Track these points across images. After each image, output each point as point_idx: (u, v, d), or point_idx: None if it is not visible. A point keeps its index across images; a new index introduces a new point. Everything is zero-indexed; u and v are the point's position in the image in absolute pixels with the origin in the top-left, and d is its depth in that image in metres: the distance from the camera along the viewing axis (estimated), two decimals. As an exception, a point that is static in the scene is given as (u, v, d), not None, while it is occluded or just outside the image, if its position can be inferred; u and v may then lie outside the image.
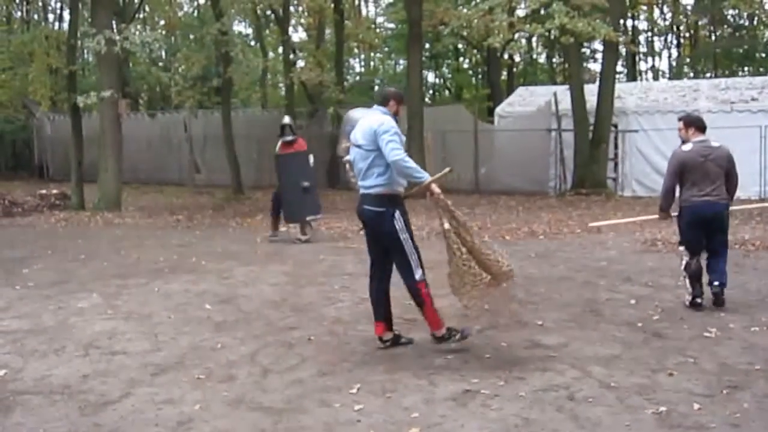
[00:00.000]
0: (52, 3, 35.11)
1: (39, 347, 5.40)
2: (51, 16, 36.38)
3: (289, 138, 10.82)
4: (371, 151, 4.95)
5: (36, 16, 36.71)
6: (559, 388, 4.33)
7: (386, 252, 5.14)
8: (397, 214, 4.96)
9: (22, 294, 7.34)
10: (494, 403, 4.11)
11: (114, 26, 15.36)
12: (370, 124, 4.98)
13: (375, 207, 4.98)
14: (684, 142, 6.36)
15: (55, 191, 17.79)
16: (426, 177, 4.93)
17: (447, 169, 5.49)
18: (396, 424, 3.84)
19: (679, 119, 6.54)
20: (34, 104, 29.65)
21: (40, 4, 35.43)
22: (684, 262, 6.28)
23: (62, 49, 23.10)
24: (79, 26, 18.20)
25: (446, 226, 4.88)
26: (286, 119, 11.37)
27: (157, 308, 6.58)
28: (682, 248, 6.39)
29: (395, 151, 4.78)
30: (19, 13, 36.70)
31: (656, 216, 6.73)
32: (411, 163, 4.85)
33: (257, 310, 6.48)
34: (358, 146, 5.06)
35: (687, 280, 6.26)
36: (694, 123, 6.34)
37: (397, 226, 4.94)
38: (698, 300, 6.17)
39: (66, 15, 31.16)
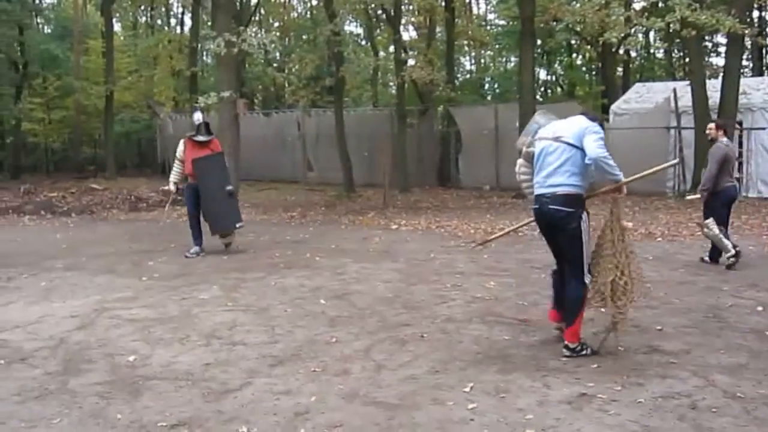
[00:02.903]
0: (175, 8, 36.78)
1: (165, 335, 5.69)
2: (173, 21, 38.15)
3: (203, 138, 9.67)
4: (574, 148, 4.88)
5: (159, 21, 38.61)
6: (681, 396, 4.17)
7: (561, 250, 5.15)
8: (584, 215, 4.94)
9: (148, 285, 7.75)
10: (611, 409, 4.01)
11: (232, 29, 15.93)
12: (580, 124, 4.94)
13: (565, 207, 4.90)
14: (713, 140, 8.33)
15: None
16: (621, 176, 4.88)
17: (645, 172, 5.42)
18: (510, 425, 3.81)
19: (713, 121, 8.91)
20: (158, 105, 31.24)
21: (164, 9, 37.23)
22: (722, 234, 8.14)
23: (184, 52, 24.24)
24: (200, 30, 19.00)
25: (630, 225, 4.84)
26: (200, 116, 9.97)
27: (273, 302, 6.80)
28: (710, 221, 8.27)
29: (601, 148, 4.75)
30: (143, 19, 38.72)
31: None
32: (611, 161, 4.80)
33: (370, 306, 6.58)
34: (557, 140, 4.98)
35: (729, 244, 8.13)
36: (723, 126, 8.56)
37: (582, 227, 4.91)
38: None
39: (187, 20, 32.64)
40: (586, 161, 4.81)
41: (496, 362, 4.88)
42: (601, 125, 5.06)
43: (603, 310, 5.00)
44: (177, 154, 9.81)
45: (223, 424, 3.89)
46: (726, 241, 8.14)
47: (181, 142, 9.82)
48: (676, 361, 4.80)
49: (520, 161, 5.64)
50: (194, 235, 9.68)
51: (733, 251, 8.05)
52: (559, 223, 4.97)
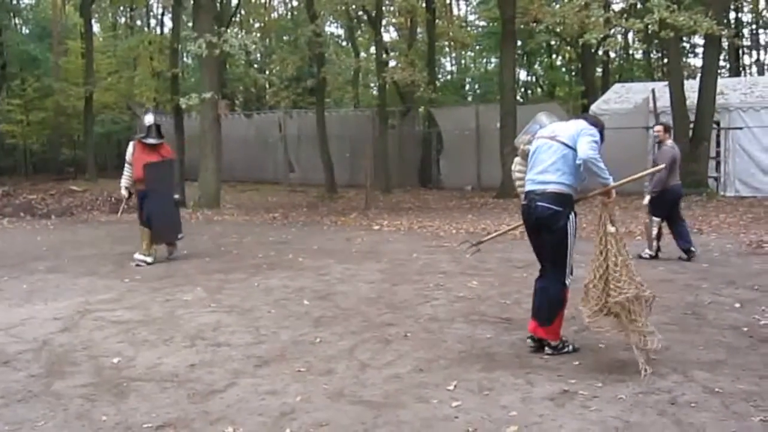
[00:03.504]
0: (154, 9, 36.56)
1: (149, 337, 5.68)
2: (153, 22, 37.93)
3: (154, 141, 9.17)
4: (567, 148, 4.91)
5: (139, 22, 38.37)
6: (661, 392, 4.24)
7: (544, 248, 5.12)
8: (572, 216, 4.96)
9: (131, 287, 7.74)
10: (593, 405, 4.07)
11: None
12: (578, 126, 4.96)
13: (553, 205, 4.91)
14: (660, 142, 8.96)
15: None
16: (610, 180, 4.90)
17: (631, 178, 5.49)
18: (494, 422, 3.85)
19: (660, 124, 9.34)
20: (138, 106, 31.01)
21: (144, 10, 37.00)
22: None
23: (165, 53, 24.13)
24: (180, 31, 18.95)
25: (612, 229, 4.83)
26: (151, 118, 9.40)
27: (257, 303, 6.81)
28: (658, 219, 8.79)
29: (592, 150, 4.76)
30: (123, 20, 38.47)
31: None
32: (602, 164, 4.82)
33: (354, 306, 6.61)
34: (552, 138, 5.00)
35: (656, 242, 8.84)
36: (669, 129, 9.12)
37: (569, 228, 4.93)
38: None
39: (167, 20, 32.46)
40: (577, 161, 4.83)
41: (480, 360, 4.92)
42: (601, 133, 5.06)
43: (580, 308, 4.99)
44: (127, 157, 9.31)
45: (209, 425, 3.90)
46: (654, 243, 8.85)
47: (131, 144, 9.34)
48: (656, 357, 4.86)
49: (517, 159, 5.68)
50: (148, 242, 9.20)
51: (653, 252, 8.85)
52: (546, 221, 4.97)
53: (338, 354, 5.15)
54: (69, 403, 4.25)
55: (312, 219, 14.28)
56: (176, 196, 9.49)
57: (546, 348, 5.00)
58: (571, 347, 5.01)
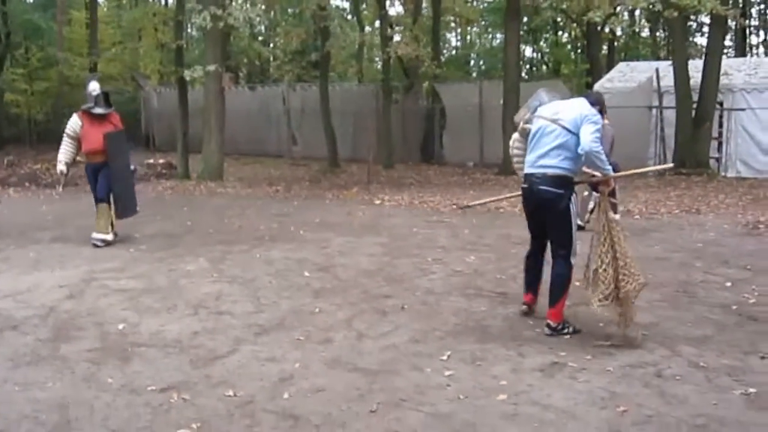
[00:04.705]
0: (160, -21, 36.32)
1: (153, 305, 5.85)
2: (158, -8, 37.69)
3: (102, 111, 8.50)
4: (570, 133, 4.95)
5: (144, -8, 38.10)
6: (647, 365, 4.39)
7: (547, 230, 5.23)
8: (573, 197, 5.06)
9: (135, 256, 7.89)
10: (581, 376, 4.22)
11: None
12: (581, 110, 4.99)
13: (554, 188, 4.98)
14: None
15: (161, 161, 18.75)
16: (610, 170, 5.00)
17: (634, 171, 5.83)
18: (484, 390, 4.01)
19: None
20: (143, 77, 31.07)
21: (149, -21, 36.75)
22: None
23: (169, 25, 24.10)
24: (185, 3, 18.92)
25: (617, 216, 4.92)
26: (97, 87, 8.63)
27: (259, 273, 6.96)
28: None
29: (595, 142, 4.82)
30: (128, -11, 38.22)
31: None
32: (603, 156, 4.90)
33: (353, 278, 6.76)
34: (555, 122, 5.04)
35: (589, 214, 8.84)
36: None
37: (571, 209, 5.02)
38: None
39: (173, -9, 32.26)
40: (579, 151, 4.89)
41: (474, 332, 5.08)
42: (602, 112, 5.14)
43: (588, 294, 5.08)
44: (68, 131, 8.59)
45: (211, 388, 4.07)
46: (585, 215, 9.01)
47: (75, 116, 8.62)
48: (645, 332, 5.01)
49: (515, 136, 5.72)
50: (105, 219, 8.54)
51: (583, 224, 8.65)
52: (547, 204, 5.06)
53: (336, 324, 5.30)
54: (75, 366, 4.42)
55: (314, 193, 14.40)
56: (133, 167, 9.02)
57: (545, 327, 5.06)
58: (571, 328, 5.04)
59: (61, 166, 8.73)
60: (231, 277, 6.82)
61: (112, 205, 8.61)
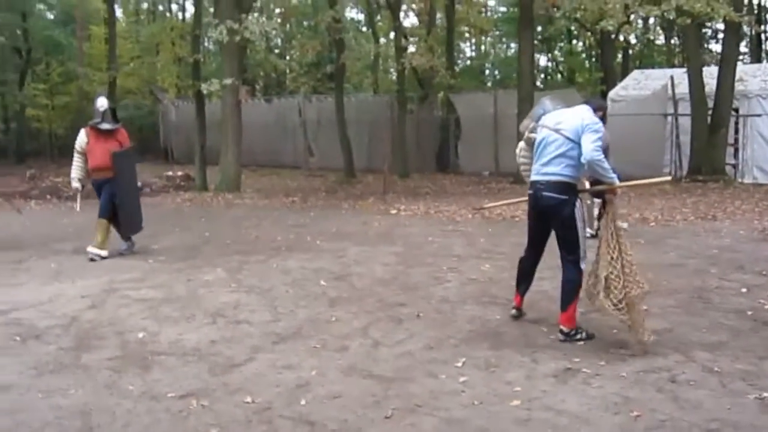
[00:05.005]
0: (176, -5, 36.82)
1: (172, 314, 5.93)
2: (174, 7, 38.20)
3: (108, 126, 8.53)
4: (571, 142, 5.00)
5: (161, 7, 38.64)
6: (661, 371, 4.40)
7: (547, 236, 5.33)
8: (578, 203, 5.10)
9: (154, 267, 7.99)
10: (595, 382, 4.24)
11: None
12: (582, 118, 5.03)
13: (558, 194, 5.05)
14: None
15: (179, 173, 18.97)
16: (615, 179, 5.00)
17: (640, 182, 5.78)
18: (498, 396, 4.04)
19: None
20: (161, 91, 31.39)
21: (166, -5, 37.22)
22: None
23: (186, 39, 24.37)
24: (202, 17, 19.17)
25: (625, 225, 4.94)
26: (104, 102, 8.65)
27: (276, 283, 7.03)
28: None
29: (597, 151, 4.85)
30: (145, 5, 38.75)
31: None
32: (606, 164, 4.92)
33: (369, 287, 6.82)
34: (557, 131, 5.10)
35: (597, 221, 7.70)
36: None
37: (577, 215, 5.06)
38: None
39: (189, 6, 32.69)
40: (582, 160, 4.93)
41: (488, 339, 5.11)
42: (603, 118, 5.15)
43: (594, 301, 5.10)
44: (77, 146, 8.64)
45: (229, 395, 4.13)
46: (594, 222, 8.49)
47: (82, 131, 8.64)
48: (659, 338, 5.01)
49: (521, 144, 5.78)
50: (104, 235, 8.55)
51: (592, 231, 8.31)
52: (552, 210, 5.12)
53: (352, 332, 5.35)
54: (97, 374, 4.49)
55: (330, 203, 14.48)
56: (139, 184, 8.85)
57: (559, 333, 5.07)
58: (584, 334, 5.05)
59: (75, 183, 8.83)
60: (248, 287, 6.90)
61: (120, 222, 8.67)
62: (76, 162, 8.70)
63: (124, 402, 4.04)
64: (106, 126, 8.49)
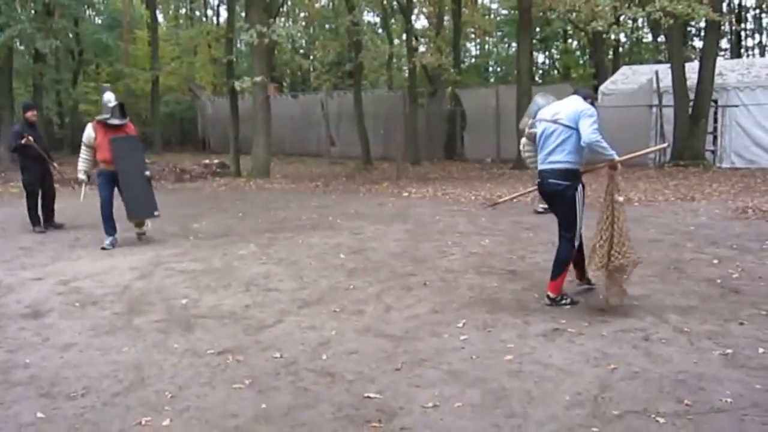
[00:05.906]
0: (212, 1, 36.89)
1: (210, 283, 6.09)
2: (210, 12, 38.26)
3: (117, 122, 8.02)
4: (571, 130, 5.04)
5: (198, 13, 38.70)
6: (637, 331, 4.50)
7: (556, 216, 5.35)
8: (580, 187, 5.14)
9: (194, 243, 8.15)
10: (578, 340, 4.36)
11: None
12: (576, 107, 5.06)
13: (562, 180, 5.10)
14: None
15: (216, 161, 19.15)
16: (614, 155, 4.99)
17: (638, 153, 5.75)
18: (494, 352, 4.17)
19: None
20: (198, 88, 31.54)
21: (202, 1, 37.28)
22: None
23: (221, 42, 24.45)
24: (235, 21, 19.24)
25: (619, 198, 5.01)
26: (112, 98, 8.17)
27: (301, 256, 7.17)
28: None
29: (594, 133, 4.89)
30: (184, 11, 38.81)
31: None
32: (604, 143, 4.93)
33: (383, 259, 6.94)
34: (555, 122, 5.14)
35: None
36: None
37: (577, 197, 5.11)
38: None
39: (223, 11, 32.71)
40: (582, 143, 4.97)
41: (486, 304, 5.23)
42: (593, 104, 5.19)
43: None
44: (84, 140, 8.12)
45: (260, 352, 4.28)
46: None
47: (89, 126, 8.12)
48: (637, 303, 5.12)
49: (523, 140, 5.87)
50: (108, 225, 8.10)
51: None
52: (557, 194, 5.19)
53: (367, 298, 5.49)
54: (147, 335, 4.67)
55: (349, 187, 14.59)
56: (147, 173, 8.27)
57: (546, 299, 5.19)
58: (569, 299, 5.16)
59: (81, 176, 8.28)
60: (277, 260, 7.04)
61: (125, 205, 8.20)
62: (83, 155, 8.19)
63: (170, 358, 4.21)
64: (114, 121, 8.00)
